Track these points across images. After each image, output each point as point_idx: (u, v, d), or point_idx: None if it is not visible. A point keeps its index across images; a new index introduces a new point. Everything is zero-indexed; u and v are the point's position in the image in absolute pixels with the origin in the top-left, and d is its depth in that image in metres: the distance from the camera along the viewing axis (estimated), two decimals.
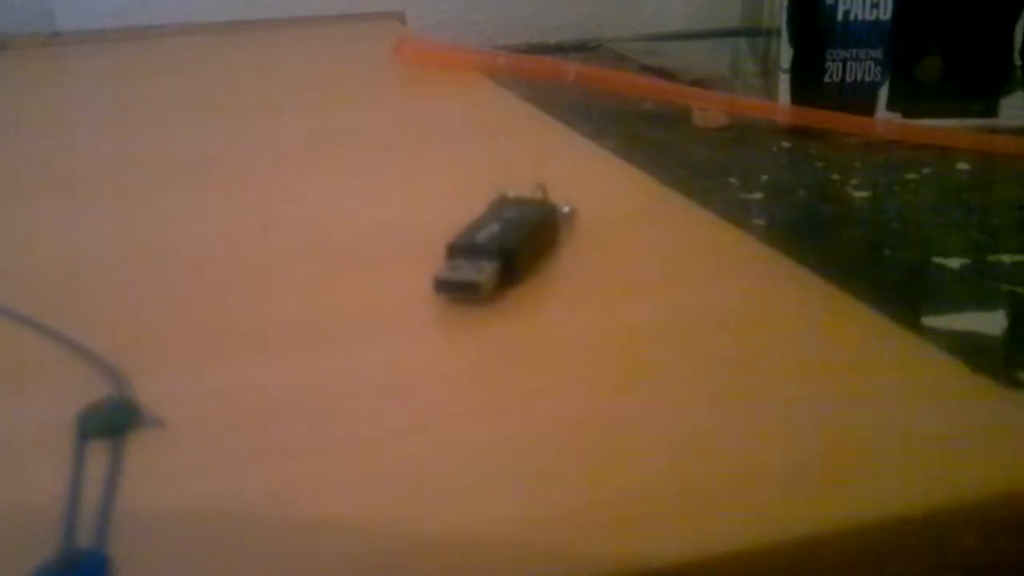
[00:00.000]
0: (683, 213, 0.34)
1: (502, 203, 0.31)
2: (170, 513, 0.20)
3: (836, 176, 0.48)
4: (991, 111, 0.53)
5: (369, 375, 0.24)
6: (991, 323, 0.33)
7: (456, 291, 0.27)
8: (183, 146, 0.44)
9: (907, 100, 0.53)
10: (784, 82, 0.54)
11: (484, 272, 0.27)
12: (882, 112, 0.54)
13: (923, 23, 0.52)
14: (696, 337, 0.25)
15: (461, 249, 0.28)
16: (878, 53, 0.53)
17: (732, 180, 0.48)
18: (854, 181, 0.47)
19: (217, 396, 0.24)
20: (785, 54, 0.54)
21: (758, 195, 0.46)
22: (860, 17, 0.52)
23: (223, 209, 0.36)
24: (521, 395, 0.23)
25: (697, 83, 0.63)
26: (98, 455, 0.21)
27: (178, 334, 0.27)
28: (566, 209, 0.32)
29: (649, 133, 0.56)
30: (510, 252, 0.28)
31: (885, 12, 0.52)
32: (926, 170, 0.48)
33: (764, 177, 0.48)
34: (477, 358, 0.25)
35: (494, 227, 0.29)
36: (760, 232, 0.41)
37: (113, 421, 0.22)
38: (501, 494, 0.20)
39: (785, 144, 0.53)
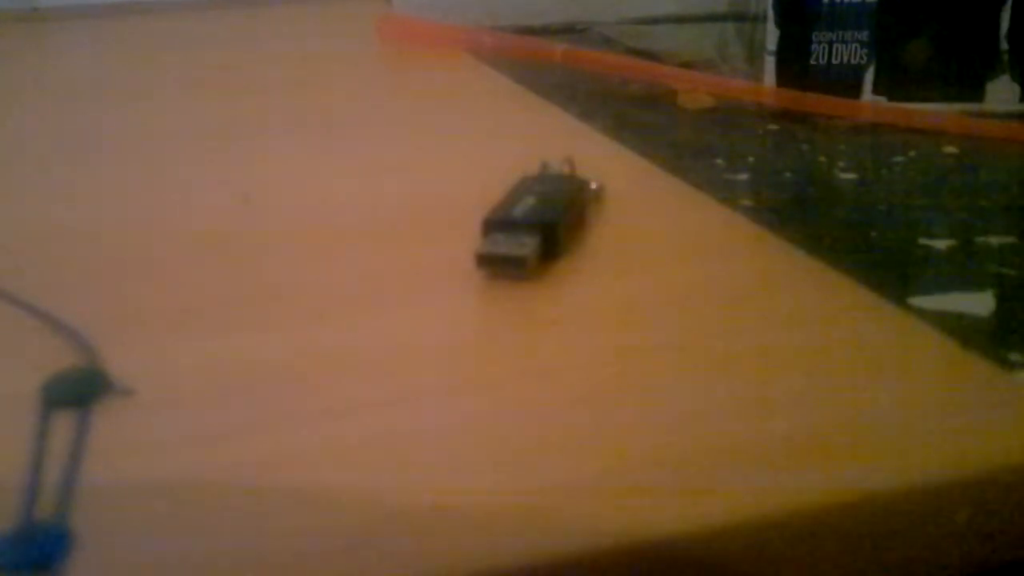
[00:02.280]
0: (685, 195, 0.33)
1: (531, 178, 0.31)
2: (137, 486, 0.19)
3: (822, 158, 0.47)
4: (977, 96, 0.53)
5: (354, 349, 0.24)
6: (980, 304, 0.33)
7: (499, 266, 0.27)
8: (165, 123, 0.43)
9: (893, 83, 0.53)
10: (770, 64, 0.54)
11: (527, 246, 0.27)
12: (868, 95, 0.53)
13: (910, 6, 0.52)
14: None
15: (499, 224, 0.28)
16: (864, 36, 0.52)
17: (718, 161, 0.47)
18: (840, 163, 0.47)
19: (193, 367, 0.23)
20: (771, 35, 0.53)
21: (744, 176, 0.45)
22: None
23: (207, 183, 0.35)
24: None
25: (684, 66, 0.63)
26: (64, 425, 0.21)
27: (156, 306, 0.26)
28: (594, 185, 0.32)
29: (636, 114, 0.55)
30: (552, 226, 0.28)
31: None
32: (912, 153, 0.48)
33: (750, 159, 0.47)
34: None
35: (530, 201, 0.29)
36: (748, 212, 0.41)
37: (80, 390, 0.21)
38: (492, 467, 0.19)
39: (771, 126, 0.52)
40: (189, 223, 0.32)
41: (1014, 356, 0.29)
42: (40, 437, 0.20)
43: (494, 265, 0.27)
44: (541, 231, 0.27)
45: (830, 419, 0.21)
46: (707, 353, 0.23)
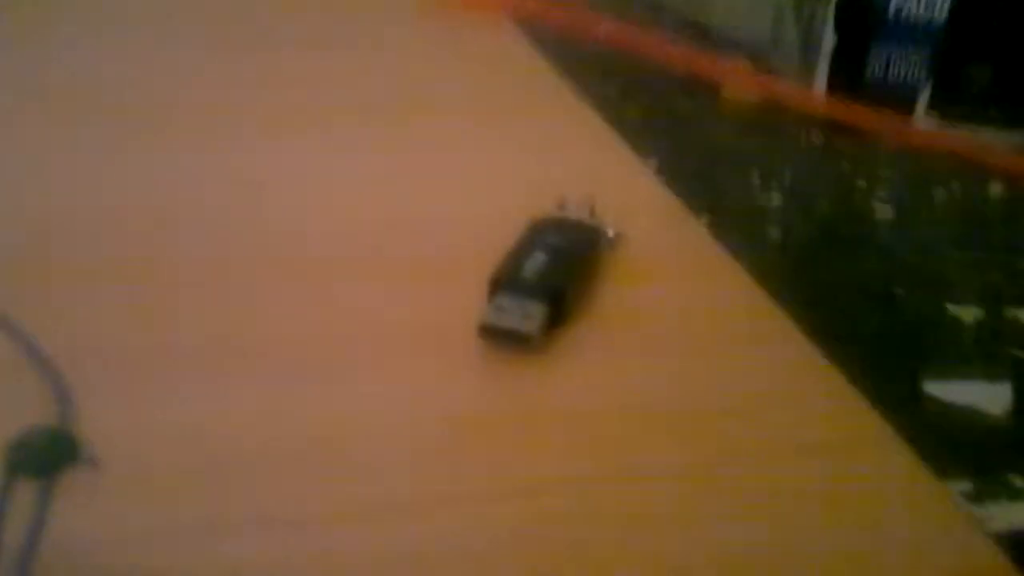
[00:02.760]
0: (707, 256, 0.31)
1: (544, 222, 0.29)
2: None
3: (861, 184, 0.46)
4: None
5: (371, 425, 0.23)
6: (995, 398, 0.31)
7: (503, 339, 0.25)
8: (165, 90, 0.40)
9: (948, 104, 0.51)
10: (823, 68, 0.51)
11: (534, 320, 0.25)
12: (921, 113, 0.51)
13: (977, 28, 0.49)
14: (709, 422, 0.24)
15: (506, 285, 0.26)
16: (925, 53, 0.50)
17: (753, 177, 0.45)
18: (879, 193, 0.45)
19: (171, 433, 0.22)
20: (828, 40, 0.51)
21: (777, 200, 0.43)
22: (912, 13, 0.49)
23: (202, 173, 0.33)
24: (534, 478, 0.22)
25: (733, 46, 0.60)
26: (25, 495, 0.20)
27: (138, 342, 0.25)
28: (611, 233, 0.30)
29: (675, 103, 0.53)
30: (561, 295, 0.26)
31: (941, 12, 0.48)
32: (955, 186, 0.46)
33: (787, 177, 0.46)
34: (508, 420, 0.24)
35: (539, 258, 0.27)
36: (772, 249, 0.39)
37: (45, 457, 0.21)
38: None
39: (814, 137, 0.50)
40: (181, 228, 0.30)
41: (1017, 481, 0.28)
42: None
43: (497, 336, 0.25)
44: (549, 299, 0.26)
45: None
46: (693, 481, 0.22)
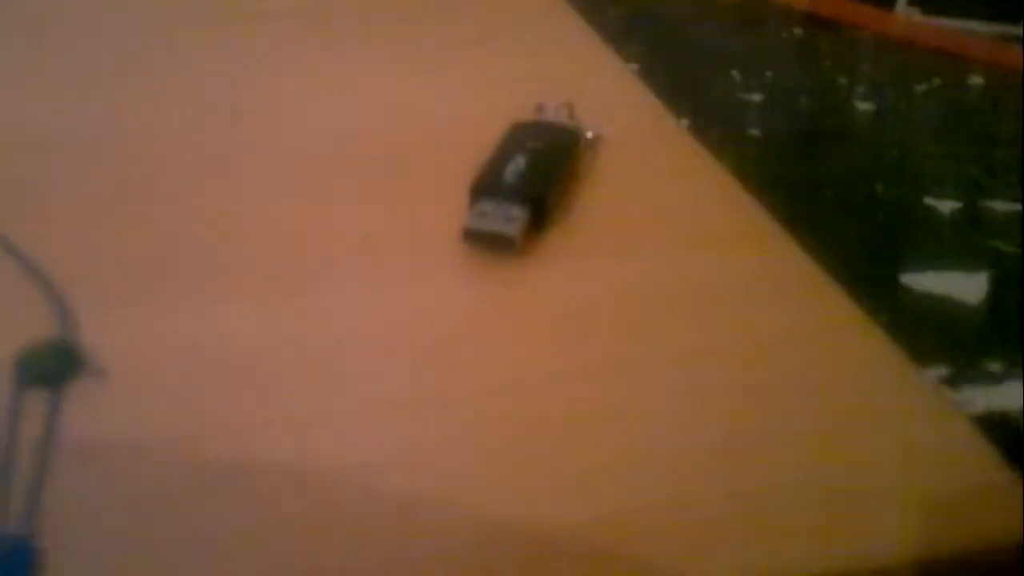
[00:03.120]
0: (686, 154, 0.32)
1: (523, 127, 0.30)
2: (110, 488, 0.20)
3: (843, 80, 0.46)
4: (1016, 15, 0.50)
5: (365, 330, 0.24)
6: (970, 288, 0.32)
7: (486, 242, 0.26)
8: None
9: None
10: None
11: (516, 223, 0.26)
12: (902, 5, 0.51)
13: None
14: (692, 315, 0.25)
15: (487, 190, 0.27)
16: None
17: (734, 74, 0.45)
18: (859, 88, 0.45)
19: (173, 345, 0.23)
20: None
21: (758, 96, 0.44)
22: None
23: (191, 88, 0.33)
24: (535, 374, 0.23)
25: None
26: (35, 408, 0.21)
27: (135, 257, 0.26)
28: (590, 134, 0.31)
29: (657, 1, 0.53)
30: (541, 198, 0.27)
31: None
32: (936, 81, 0.46)
33: (768, 73, 0.46)
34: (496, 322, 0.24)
35: (520, 162, 0.28)
36: (753, 146, 0.40)
37: (53, 368, 0.21)
38: (451, 502, 0.20)
39: (797, 31, 0.50)
40: (176, 143, 0.30)
41: (993, 365, 0.29)
42: (12, 424, 0.20)
43: (481, 240, 0.26)
44: (531, 202, 0.27)
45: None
46: (677, 372, 0.23)
